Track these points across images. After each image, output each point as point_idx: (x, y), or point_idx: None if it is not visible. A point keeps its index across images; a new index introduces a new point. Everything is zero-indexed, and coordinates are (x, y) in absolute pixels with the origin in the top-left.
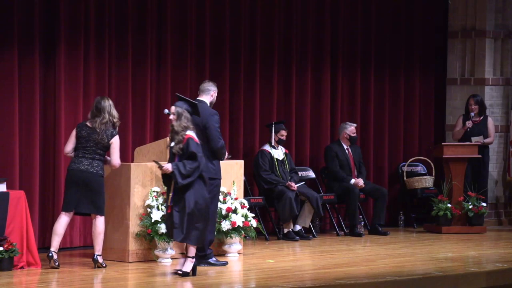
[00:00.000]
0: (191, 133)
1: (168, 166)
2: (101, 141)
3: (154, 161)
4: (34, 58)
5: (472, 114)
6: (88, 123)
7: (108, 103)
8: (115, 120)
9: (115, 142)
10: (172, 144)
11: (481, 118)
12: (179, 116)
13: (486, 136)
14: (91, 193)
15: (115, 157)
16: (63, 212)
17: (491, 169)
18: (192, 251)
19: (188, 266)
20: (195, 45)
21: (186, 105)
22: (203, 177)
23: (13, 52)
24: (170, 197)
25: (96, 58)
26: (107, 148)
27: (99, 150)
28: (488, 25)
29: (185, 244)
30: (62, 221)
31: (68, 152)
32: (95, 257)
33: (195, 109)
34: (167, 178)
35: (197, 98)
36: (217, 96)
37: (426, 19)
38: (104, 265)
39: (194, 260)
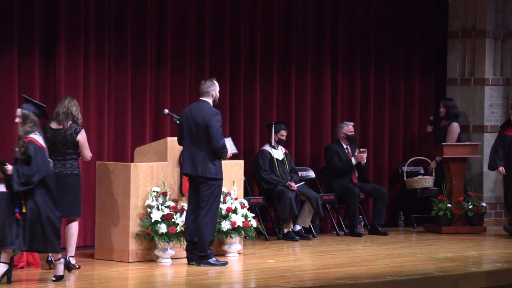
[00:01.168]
0: (35, 136)
1: (10, 168)
2: (69, 139)
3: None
4: (34, 58)
5: (431, 117)
6: (52, 125)
7: (69, 101)
8: (75, 118)
9: (81, 138)
10: (16, 148)
11: (448, 123)
12: (24, 119)
13: (444, 141)
14: (69, 196)
15: (85, 152)
16: None
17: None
18: (4, 256)
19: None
20: (195, 45)
21: (34, 108)
22: (47, 183)
23: (13, 52)
24: (23, 203)
25: (96, 58)
26: (76, 146)
27: (69, 150)
28: (488, 25)
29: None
30: None
31: None
32: (67, 258)
33: (42, 111)
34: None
35: (200, 99)
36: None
37: (426, 19)
38: (77, 266)
39: (7, 266)
